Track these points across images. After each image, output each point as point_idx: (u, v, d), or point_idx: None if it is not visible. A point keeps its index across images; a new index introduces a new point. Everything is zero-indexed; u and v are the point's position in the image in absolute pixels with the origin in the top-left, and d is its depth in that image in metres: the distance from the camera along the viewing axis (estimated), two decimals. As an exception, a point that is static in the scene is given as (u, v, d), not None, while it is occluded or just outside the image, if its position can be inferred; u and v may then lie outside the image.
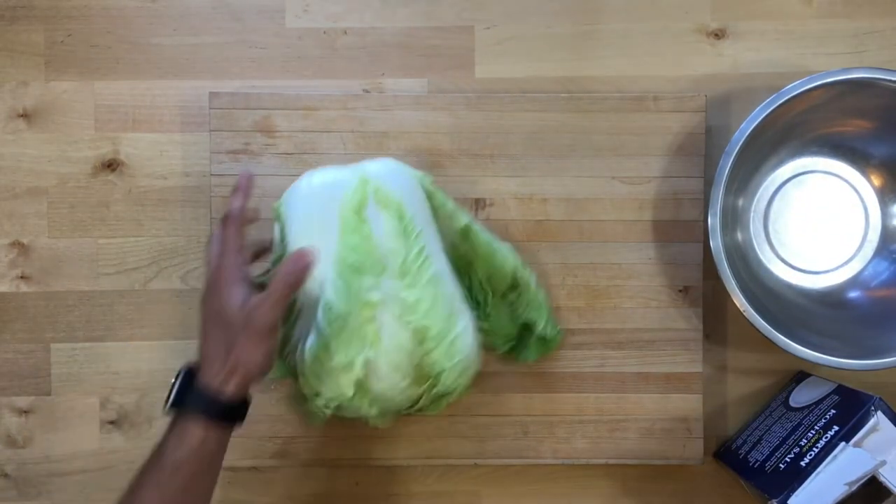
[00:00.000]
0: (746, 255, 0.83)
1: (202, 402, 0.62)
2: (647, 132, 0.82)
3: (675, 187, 0.82)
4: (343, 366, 0.65)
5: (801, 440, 0.73)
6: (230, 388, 0.62)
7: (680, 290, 0.82)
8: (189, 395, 0.62)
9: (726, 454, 0.83)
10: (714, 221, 0.73)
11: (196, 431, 0.60)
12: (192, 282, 0.84)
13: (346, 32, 0.85)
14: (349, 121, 0.82)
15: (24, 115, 0.85)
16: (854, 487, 0.68)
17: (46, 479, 0.84)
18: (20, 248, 0.85)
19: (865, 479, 0.67)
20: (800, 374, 0.84)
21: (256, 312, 0.62)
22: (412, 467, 0.83)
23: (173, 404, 0.62)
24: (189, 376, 0.63)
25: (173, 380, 0.64)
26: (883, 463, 0.68)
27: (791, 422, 0.77)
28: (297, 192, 0.69)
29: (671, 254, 0.82)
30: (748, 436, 0.81)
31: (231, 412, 0.63)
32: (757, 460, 0.76)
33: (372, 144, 0.82)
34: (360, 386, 0.67)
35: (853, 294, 0.82)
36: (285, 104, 0.82)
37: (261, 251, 0.74)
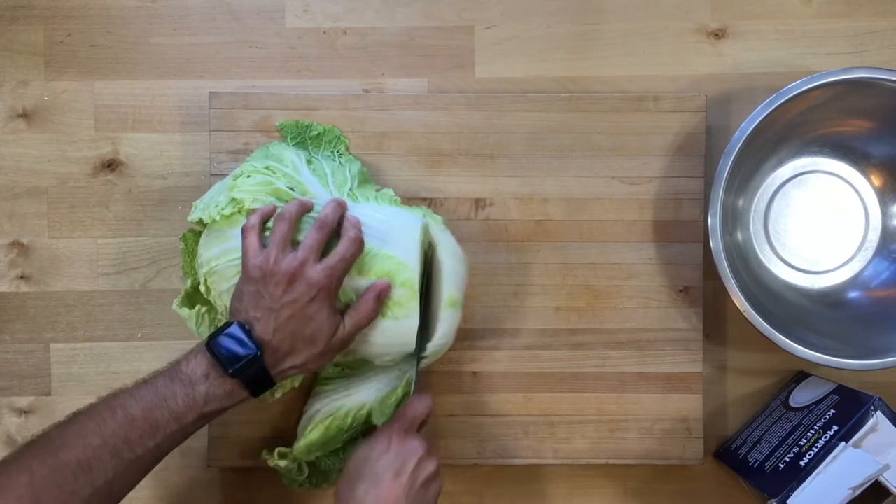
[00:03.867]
0: (746, 255, 0.83)
1: (259, 381, 0.65)
2: (647, 132, 0.82)
3: (675, 187, 0.82)
4: None
5: (800, 440, 0.73)
6: (281, 378, 0.66)
7: (680, 291, 0.82)
8: (250, 370, 0.64)
9: (726, 454, 0.83)
10: (714, 221, 0.73)
11: (237, 393, 0.64)
12: (192, 282, 0.84)
13: (346, 32, 0.85)
14: (349, 121, 0.82)
15: (24, 115, 0.85)
16: (858, 492, 0.68)
17: (46, 479, 0.84)
18: (20, 248, 0.85)
19: (870, 483, 0.67)
20: (800, 374, 0.84)
21: (343, 338, 0.67)
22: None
23: (235, 372, 0.63)
24: (252, 357, 0.64)
25: (235, 332, 0.64)
26: (887, 467, 0.68)
27: (791, 422, 0.77)
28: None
29: (671, 254, 0.82)
30: (748, 436, 0.81)
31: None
32: (757, 460, 0.76)
33: (372, 144, 0.82)
34: None
35: (853, 294, 0.82)
36: (285, 104, 0.82)
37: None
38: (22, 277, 0.84)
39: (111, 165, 0.85)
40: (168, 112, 0.85)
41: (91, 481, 0.59)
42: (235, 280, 0.68)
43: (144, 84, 0.85)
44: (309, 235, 0.66)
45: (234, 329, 0.64)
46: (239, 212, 0.70)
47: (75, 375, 0.84)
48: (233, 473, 0.84)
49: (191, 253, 0.77)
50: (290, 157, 0.75)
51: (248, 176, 0.72)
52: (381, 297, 0.68)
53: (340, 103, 0.82)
